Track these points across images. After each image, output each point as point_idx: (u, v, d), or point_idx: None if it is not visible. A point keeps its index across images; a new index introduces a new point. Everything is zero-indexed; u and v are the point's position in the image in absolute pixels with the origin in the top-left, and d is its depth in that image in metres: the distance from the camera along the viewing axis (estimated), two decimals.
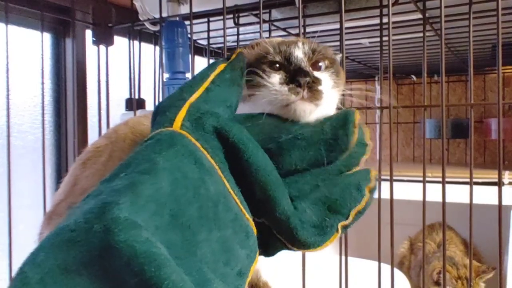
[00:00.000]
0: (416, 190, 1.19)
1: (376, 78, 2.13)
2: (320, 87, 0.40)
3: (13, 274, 0.26)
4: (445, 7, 0.70)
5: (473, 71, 0.73)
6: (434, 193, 0.76)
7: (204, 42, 1.27)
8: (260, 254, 0.36)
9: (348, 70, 1.84)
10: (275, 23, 1.04)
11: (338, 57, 0.50)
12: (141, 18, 1.06)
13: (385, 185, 0.72)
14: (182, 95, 0.36)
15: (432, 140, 1.96)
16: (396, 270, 0.83)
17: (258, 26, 0.75)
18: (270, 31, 1.06)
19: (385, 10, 0.80)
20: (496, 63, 0.68)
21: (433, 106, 0.81)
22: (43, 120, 0.93)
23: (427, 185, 0.76)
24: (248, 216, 0.34)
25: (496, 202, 0.69)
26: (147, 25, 1.07)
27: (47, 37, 1.14)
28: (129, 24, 1.01)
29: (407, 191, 1.24)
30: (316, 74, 0.42)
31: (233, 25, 0.96)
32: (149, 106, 1.20)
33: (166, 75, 0.94)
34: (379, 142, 1.08)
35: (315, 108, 0.40)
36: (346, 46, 0.68)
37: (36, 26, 1.04)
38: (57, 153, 1.17)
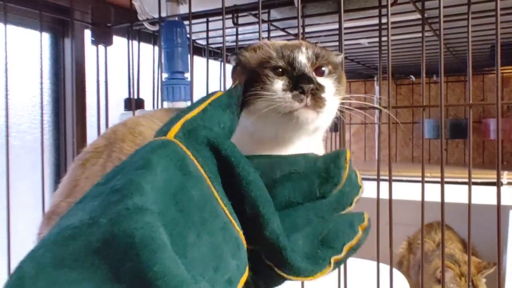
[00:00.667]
0: (415, 190, 1.19)
1: (375, 78, 2.13)
2: (323, 95, 0.40)
3: (11, 270, 0.26)
4: (444, 7, 0.70)
5: (472, 71, 0.73)
6: (432, 193, 0.76)
7: (203, 42, 1.27)
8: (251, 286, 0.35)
9: (347, 70, 1.84)
10: (274, 23, 1.04)
11: (340, 57, 0.49)
12: (140, 18, 1.06)
13: (383, 185, 0.72)
14: (179, 115, 0.36)
15: (431, 140, 1.96)
16: (395, 270, 0.83)
17: (257, 26, 0.75)
18: (269, 31, 1.06)
19: (384, 10, 0.80)
20: (495, 63, 0.68)
21: (432, 106, 0.82)
22: (42, 120, 0.93)
23: (426, 185, 0.76)
24: (238, 228, 0.33)
25: (494, 202, 0.69)
26: (146, 25, 1.07)
27: (46, 37, 1.14)
28: (128, 24, 1.01)
29: (406, 191, 1.24)
30: (319, 80, 0.41)
31: (232, 25, 0.96)
32: (148, 106, 1.20)
33: (165, 75, 0.94)
34: (378, 142, 1.08)
35: (317, 116, 0.39)
36: (345, 46, 0.68)
37: (35, 26, 1.03)
38: (56, 153, 1.17)
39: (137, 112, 0.97)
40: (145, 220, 0.26)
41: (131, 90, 1.11)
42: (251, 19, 0.96)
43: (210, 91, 0.41)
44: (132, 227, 0.26)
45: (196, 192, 0.31)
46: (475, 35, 1.13)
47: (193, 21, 0.84)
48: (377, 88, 2.11)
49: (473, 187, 0.75)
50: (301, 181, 0.37)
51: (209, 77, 1.12)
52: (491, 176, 1.21)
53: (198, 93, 0.82)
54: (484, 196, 1.05)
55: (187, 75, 0.95)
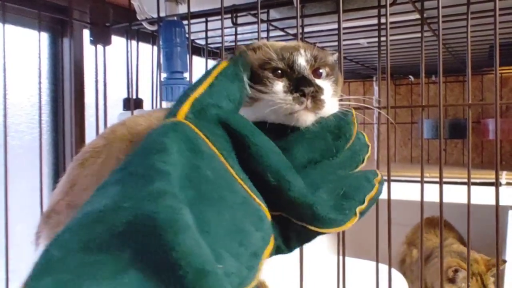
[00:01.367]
0: (414, 190, 1.19)
1: (374, 79, 2.13)
2: (322, 97, 0.40)
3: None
4: (443, 7, 0.70)
5: (471, 72, 0.73)
6: (431, 193, 0.76)
7: (202, 42, 1.27)
8: (281, 251, 0.37)
9: (346, 71, 1.84)
10: (273, 23, 1.04)
11: (335, 56, 0.50)
12: (139, 18, 1.06)
13: (382, 187, 0.72)
14: (186, 93, 0.37)
15: (429, 140, 1.97)
16: (394, 271, 0.83)
17: (256, 26, 0.75)
18: (268, 31, 1.06)
19: (383, 10, 0.80)
20: (493, 63, 0.68)
21: (431, 106, 0.82)
22: (40, 120, 0.93)
23: (425, 185, 0.76)
24: (259, 201, 0.34)
25: (493, 202, 0.69)
26: (145, 24, 1.06)
27: (45, 36, 1.14)
28: (127, 23, 1.01)
29: (404, 191, 1.24)
30: (318, 82, 0.42)
31: (231, 25, 0.96)
32: (147, 106, 1.20)
33: (164, 75, 0.94)
34: (377, 143, 1.08)
35: (315, 117, 0.41)
36: (344, 46, 0.68)
37: (34, 25, 1.03)
38: (54, 153, 1.16)
39: (136, 112, 0.97)
40: (167, 203, 0.27)
41: (130, 90, 1.11)
42: (250, 19, 0.96)
43: None
44: (154, 210, 0.26)
45: (210, 171, 0.32)
46: (474, 35, 1.13)
47: (192, 21, 0.84)
48: (376, 88, 2.11)
49: (472, 187, 0.75)
50: (315, 139, 0.39)
51: None
52: (490, 176, 1.21)
53: None
54: (483, 196, 1.05)
55: (186, 75, 0.95)
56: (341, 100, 0.45)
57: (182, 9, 1.00)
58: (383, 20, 0.76)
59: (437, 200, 0.73)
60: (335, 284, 0.74)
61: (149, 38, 1.22)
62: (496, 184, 0.69)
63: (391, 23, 0.71)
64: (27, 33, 1.09)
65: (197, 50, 1.32)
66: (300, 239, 0.38)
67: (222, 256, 0.29)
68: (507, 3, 0.86)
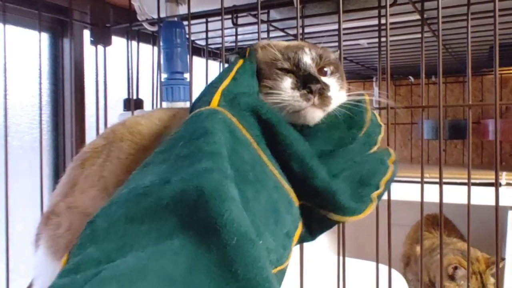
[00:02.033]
0: (414, 191, 1.19)
1: (374, 79, 2.13)
2: (329, 94, 0.41)
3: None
4: (443, 8, 0.70)
5: (471, 72, 0.73)
6: (431, 193, 0.76)
7: (203, 43, 1.27)
8: (305, 239, 0.38)
9: (346, 71, 1.83)
10: (274, 24, 1.04)
11: (336, 54, 0.50)
12: (139, 19, 1.06)
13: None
14: (213, 85, 0.39)
15: (429, 141, 1.96)
16: (393, 271, 0.83)
17: (256, 26, 0.75)
18: (268, 31, 1.06)
19: (383, 11, 0.80)
20: (493, 64, 0.68)
21: (431, 107, 0.82)
22: (40, 120, 0.93)
23: (425, 185, 0.76)
24: (287, 187, 0.36)
25: (493, 203, 0.69)
26: (145, 25, 1.06)
27: (45, 37, 1.14)
28: (127, 24, 1.01)
29: (405, 191, 1.24)
30: (324, 79, 0.43)
31: (231, 25, 0.96)
32: (147, 106, 1.20)
33: (164, 76, 0.94)
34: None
35: (322, 114, 0.41)
36: (344, 47, 0.68)
37: (34, 26, 1.03)
38: (54, 153, 1.16)
39: (136, 112, 0.97)
40: (214, 177, 0.28)
41: (130, 91, 1.11)
42: (251, 19, 0.96)
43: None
44: (203, 182, 0.28)
45: (246, 155, 0.34)
46: (474, 36, 1.13)
47: (193, 22, 0.84)
48: (376, 88, 2.11)
49: (472, 188, 0.75)
50: (330, 130, 0.40)
51: (209, 78, 1.13)
52: (490, 176, 1.21)
53: (198, 93, 0.81)
54: (483, 196, 1.05)
55: (187, 75, 0.95)
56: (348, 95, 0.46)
57: (183, 9, 1.00)
58: (383, 20, 0.76)
59: (437, 200, 0.73)
60: (335, 284, 0.74)
61: (150, 38, 1.22)
62: (496, 184, 0.69)
63: (391, 23, 0.71)
64: (28, 33, 1.09)
65: (198, 51, 1.32)
66: (322, 227, 0.39)
67: (262, 232, 0.30)
68: (507, 4, 0.86)
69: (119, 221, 0.27)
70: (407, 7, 0.84)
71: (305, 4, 0.91)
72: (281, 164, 0.37)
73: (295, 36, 0.82)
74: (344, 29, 0.87)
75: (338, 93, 0.43)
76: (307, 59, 0.43)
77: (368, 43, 1.28)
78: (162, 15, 0.93)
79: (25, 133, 1.10)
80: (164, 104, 0.93)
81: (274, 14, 1.00)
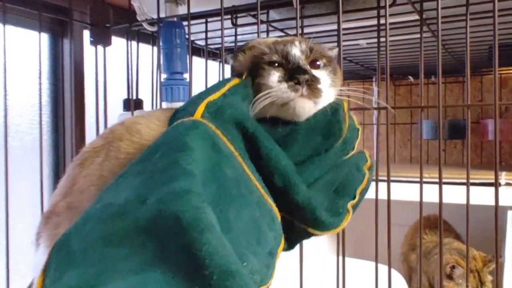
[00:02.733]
0: (413, 191, 1.19)
1: (373, 79, 2.13)
2: (319, 85, 0.41)
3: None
4: (442, 8, 0.70)
5: (470, 72, 0.73)
6: (431, 193, 0.76)
7: (202, 43, 1.27)
8: (284, 249, 0.38)
9: (345, 71, 1.84)
10: (273, 24, 1.04)
11: (335, 51, 0.50)
12: (139, 19, 1.06)
13: (382, 186, 0.72)
14: (200, 96, 0.38)
15: (429, 141, 1.97)
16: (393, 271, 0.83)
17: (256, 26, 0.75)
18: (268, 31, 1.06)
19: (382, 11, 0.80)
20: (492, 64, 0.69)
21: (430, 107, 0.82)
22: (40, 121, 0.93)
23: (424, 185, 0.76)
24: (271, 201, 0.35)
25: (492, 203, 0.69)
26: (145, 25, 1.07)
27: (45, 37, 1.14)
28: (127, 24, 1.01)
29: (404, 191, 1.24)
30: (314, 72, 0.42)
31: (231, 25, 0.96)
32: (147, 107, 1.20)
33: (164, 76, 0.94)
34: (376, 143, 1.08)
35: (314, 106, 0.40)
36: (343, 47, 0.68)
37: (34, 26, 1.03)
38: (54, 154, 1.16)
39: (136, 112, 0.97)
40: (193, 203, 0.27)
41: (130, 91, 1.11)
42: (250, 19, 0.96)
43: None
44: (180, 209, 0.27)
45: (229, 170, 0.33)
46: (473, 36, 1.13)
47: (192, 22, 0.84)
48: (375, 89, 2.11)
49: (471, 188, 0.75)
50: (306, 140, 0.39)
51: (208, 78, 1.13)
52: (489, 176, 1.22)
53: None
54: (482, 196, 1.05)
55: (186, 75, 0.95)
56: (341, 95, 0.45)
57: (182, 10, 1.00)
58: (382, 21, 0.76)
59: (437, 200, 0.73)
60: (334, 285, 0.74)
61: (149, 39, 1.22)
62: (496, 184, 0.69)
63: (390, 24, 0.71)
64: (28, 34, 1.09)
65: (197, 51, 1.32)
66: (300, 239, 0.39)
67: (245, 254, 0.29)
68: (507, 4, 0.86)
69: (96, 243, 0.26)
70: (406, 7, 0.84)
71: (305, 4, 0.91)
72: (264, 179, 0.36)
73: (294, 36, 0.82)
74: (344, 29, 0.87)
75: (329, 87, 0.42)
76: (296, 51, 0.43)
77: (368, 43, 1.28)
78: (162, 15, 0.93)
79: (25, 133, 1.10)
80: (164, 104, 0.93)
81: (273, 14, 1.00)
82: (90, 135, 1.16)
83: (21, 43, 1.09)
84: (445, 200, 0.73)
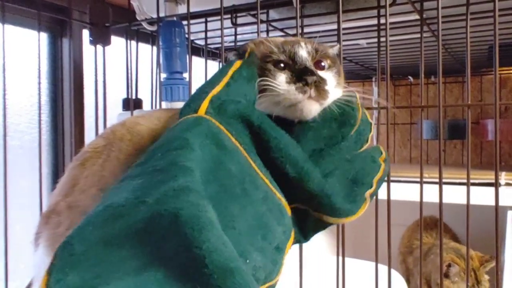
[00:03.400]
0: (413, 191, 1.19)
1: (373, 79, 2.13)
2: (326, 87, 0.41)
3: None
4: (442, 8, 0.70)
5: (470, 72, 0.73)
6: (431, 193, 0.76)
7: (202, 42, 1.27)
8: (298, 240, 0.38)
9: (345, 71, 1.83)
10: (273, 24, 1.04)
11: (336, 48, 0.50)
12: (138, 18, 1.06)
13: (382, 186, 0.72)
14: (204, 90, 0.38)
15: (429, 141, 1.97)
16: (393, 271, 0.83)
17: (255, 26, 0.75)
18: (267, 31, 1.06)
19: (382, 11, 0.80)
20: (493, 64, 0.68)
21: (430, 107, 0.82)
22: (39, 120, 0.93)
23: (424, 186, 0.76)
24: (279, 195, 0.35)
25: (492, 203, 0.69)
26: (145, 25, 1.06)
27: (44, 36, 1.14)
28: (126, 24, 1.01)
29: (404, 191, 1.24)
30: (320, 73, 0.42)
31: (230, 25, 0.96)
32: (146, 106, 1.20)
33: (163, 75, 0.94)
34: (376, 143, 1.08)
35: (319, 107, 0.41)
36: (343, 47, 0.68)
37: (33, 25, 1.03)
38: (54, 153, 1.16)
39: (136, 112, 0.97)
40: (191, 200, 0.27)
41: (129, 90, 1.11)
42: (250, 19, 0.96)
43: None
44: (178, 207, 0.26)
45: (234, 166, 0.33)
46: (473, 36, 1.13)
47: (192, 21, 0.84)
48: (375, 89, 2.11)
49: (471, 188, 0.75)
50: (321, 129, 0.40)
51: (208, 78, 1.12)
52: (489, 177, 1.21)
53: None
54: (482, 196, 1.05)
55: (186, 75, 0.95)
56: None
57: (182, 9, 1.00)
58: (382, 20, 0.76)
59: (437, 200, 0.73)
60: (334, 285, 0.74)
61: (149, 38, 1.22)
62: (496, 184, 0.69)
63: (390, 23, 0.71)
64: (27, 33, 1.09)
65: (197, 51, 1.32)
66: (316, 229, 0.39)
67: (248, 251, 0.29)
68: (507, 4, 0.86)
69: (96, 245, 0.26)
70: (406, 7, 0.84)
71: (305, 4, 0.91)
72: (273, 171, 0.36)
73: (295, 36, 0.82)
74: (344, 29, 0.87)
75: (335, 88, 0.43)
76: (303, 52, 0.43)
77: (367, 43, 1.28)
78: (161, 14, 0.93)
79: (24, 133, 1.09)
80: (164, 104, 0.93)
81: (273, 14, 0.99)
82: (89, 135, 1.16)
83: (20, 43, 1.08)
84: (445, 200, 0.73)
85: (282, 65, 0.42)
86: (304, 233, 0.38)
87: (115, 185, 0.31)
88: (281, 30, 1.09)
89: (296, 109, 0.40)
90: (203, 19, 1.00)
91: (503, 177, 1.23)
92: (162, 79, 0.94)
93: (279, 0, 0.88)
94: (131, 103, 1.01)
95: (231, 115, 0.36)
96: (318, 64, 0.44)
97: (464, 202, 0.75)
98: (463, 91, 2.01)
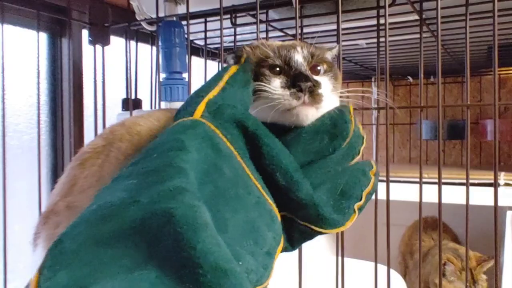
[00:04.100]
0: (412, 191, 1.19)
1: (373, 79, 2.13)
2: (320, 91, 0.40)
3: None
4: (442, 8, 0.70)
5: (469, 73, 0.73)
6: (430, 194, 0.76)
7: (201, 43, 1.27)
8: (285, 249, 0.37)
9: (344, 71, 1.84)
10: (272, 24, 1.04)
11: (335, 50, 0.50)
12: (137, 18, 1.06)
13: (381, 186, 0.72)
14: (199, 94, 0.38)
15: (428, 141, 1.97)
16: (392, 271, 0.83)
17: (255, 26, 0.75)
18: (267, 31, 1.06)
19: (382, 11, 0.80)
20: (492, 64, 0.68)
21: (430, 107, 0.82)
22: (38, 120, 0.93)
23: (424, 186, 0.76)
24: (271, 201, 0.35)
25: (491, 203, 0.69)
26: (144, 25, 1.06)
27: (43, 36, 1.14)
28: (125, 24, 1.01)
29: (403, 192, 1.24)
30: (316, 78, 0.42)
31: (230, 25, 0.96)
32: (146, 106, 1.20)
33: (162, 75, 0.94)
34: (376, 143, 1.08)
35: (315, 112, 0.40)
36: (343, 47, 0.68)
37: (32, 25, 1.03)
38: (53, 153, 1.16)
39: (135, 112, 0.96)
40: (186, 201, 0.27)
41: (129, 90, 1.11)
42: (249, 19, 0.96)
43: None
44: (173, 207, 0.26)
45: (228, 170, 0.33)
46: (472, 36, 1.13)
47: (191, 21, 0.84)
48: (374, 89, 2.11)
49: (471, 188, 0.75)
50: (312, 140, 0.39)
51: (207, 78, 1.12)
52: (488, 177, 1.22)
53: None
54: (481, 197, 1.05)
55: (185, 75, 0.95)
56: (341, 97, 0.45)
57: (181, 9, 1.00)
58: (382, 21, 0.76)
59: (436, 200, 0.73)
60: (334, 285, 0.74)
61: (148, 38, 1.22)
62: (495, 184, 0.69)
63: (390, 24, 0.71)
64: (26, 33, 1.09)
65: (196, 51, 1.32)
66: (303, 238, 0.39)
67: (240, 254, 0.29)
68: (506, 4, 0.86)
69: (87, 243, 0.26)
70: (405, 7, 0.84)
71: (304, 4, 0.91)
72: (265, 178, 0.36)
73: (294, 36, 0.82)
74: (343, 29, 0.87)
75: (331, 92, 0.43)
76: (298, 57, 0.43)
77: (367, 43, 1.28)
78: (161, 14, 0.93)
79: (23, 132, 1.09)
80: (163, 104, 0.93)
81: (272, 14, 0.99)
82: (88, 135, 1.15)
83: (19, 43, 1.08)
84: (444, 200, 0.73)
85: (277, 69, 0.42)
86: (291, 241, 0.38)
87: (108, 184, 0.31)
88: (281, 30, 1.09)
89: (292, 115, 0.40)
90: (202, 19, 1.01)
91: (502, 177, 1.23)
92: (161, 79, 0.94)
93: (279, 0, 0.88)
94: (131, 103, 1.01)
95: (227, 119, 0.36)
96: (314, 69, 0.44)
97: (463, 202, 0.75)
98: (462, 91, 2.01)
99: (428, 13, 0.90)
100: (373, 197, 0.72)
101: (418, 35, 0.82)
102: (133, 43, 1.16)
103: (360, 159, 0.42)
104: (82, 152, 0.53)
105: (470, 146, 1.94)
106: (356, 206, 0.39)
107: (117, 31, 1.09)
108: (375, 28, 0.83)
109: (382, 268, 0.76)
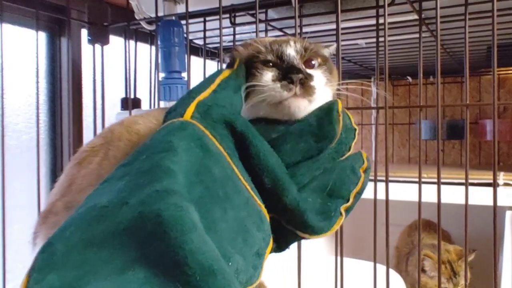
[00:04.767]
0: (411, 191, 1.19)
1: (372, 79, 2.13)
2: (312, 83, 0.40)
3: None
4: (441, 8, 0.70)
5: (469, 72, 0.73)
6: (429, 194, 0.76)
7: (200, 42, 1.26)
8: (273, 250, 0.37)
9: (344, 71, 1.84)
10: (272, 23, 1.04)
11: (332, 48, 0.50)
12: (137, 17, 1.06)
13: (380, 186, 0.72)
14: (190, 95, 0.37)
15: (427, 141, 1.97)
16: (391, 271, 0.83)
17: (254, 26, 0.75)
18: (266, 31, 1.06)
19: (381, 11, 0.80)
20: (491, 64, 0.68)
21: (429, 107, 0.82)
22: (37, 120, 0.93)
23: (423, 186, 0.76)
24: (259, 202, 0.35)
25: (491, 203, 0.69)
26: (143, 24, 1.06)
27: (42, 36, 1.14)
28: (125, 23, 1.00)
29: (402, 192, 1.24)
30: (309, 71, 0.42)
31: (229, 24, 0.96)
32: (145, 106, 1.20)
33: (162, 75, 0.94)
34: (375, 143, 1.09)
35: (308, 104, 0.40)
36: (342, 47, 0.68)
37: (31, 25, 1.03)
38: (52, 153, 1.16)
39: (134, 111, 0.96)
40: (174, 202, 0.27)
41: (128, 90, 1.10)
42: (249, 18, 0.96)
43: None
44: (161, 208, 0.26)
45: (217, 170, 0.32)
46: (472, 36, 1.13)
47: (190, 21, 0.84)
48: (374, 89, 2.11)
49: (470, 188, 0.75)
50: (297, 142, 0.39)
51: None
52: (488, 177, 1.22)
53: None
54: (480, 197, 1.05)
55: (184, 74, 0.95)
56: (340, 94, 0.45)
57: (180, 8, 1.00)
58: (381, 20, 0.76)
59: (435, 200, 0.73)
60: (332, 285, 0.74)
61: (147, 37, 1.22)
62: (494, 184, 0.69)
63: (389, 23, 0.71)
64: (25, 32, 1.09)
65: (195, 50, 1.32)
66: (289, 241, 0.38)
67: (230, 254, 0.29)
68: (505, 4, 0.86)
69: (77, 246, 0.26)
70: (405, 7, 0.84)
71: (303, 3, 0.91)
72: (254, 179, 0.36)
73: (293, 36, 0.82)
74: (342, 28, 0.87)
75: (324, 85, 0.42)
76: (291, 51, 0.43)
77: (366, 43, 1.28)
78: (160, 14, 0.93)
79: (23, 132, 1.09)
80: (162, 104, 0.93)
81: (272, 13, 0.99)
82: (87, 134, 1.15)
83: (18, 42, 1.08)
84: (443, 200, 0.73)
85: (270, 64, 0.42)
86: (279, 243, 0.38)
87: (98, 186, 0.31)
88: (280, 29, 1.09)
89: (284, 107, 0.39)
90: (201, 19, 1.00)
91: (501, 177, 1.23)
92: (160, 79, 0.93)
93: (278, 0, 0.88)
94: (130, 103, 1.01)
95: (216, 120, 0.36)
96: (308, 63, 0.44)
97: (463, 202, 0.75)
98: (462, 91, 2.01)
99: (427, 13, 0.90)
100: (372, 197, 0.72)
101: (417, 35, 0.82)
102: (132, 42, 1.16)
103: (351, 154, 0.41)
104: (81, 152, 0.53)
105: (470, 146, 1.94)
106: (343, 208, 0.38)
107: (116, 31, 1.09)
108: (374, 27, 0.83)
109: (381, 268, 0.76)
